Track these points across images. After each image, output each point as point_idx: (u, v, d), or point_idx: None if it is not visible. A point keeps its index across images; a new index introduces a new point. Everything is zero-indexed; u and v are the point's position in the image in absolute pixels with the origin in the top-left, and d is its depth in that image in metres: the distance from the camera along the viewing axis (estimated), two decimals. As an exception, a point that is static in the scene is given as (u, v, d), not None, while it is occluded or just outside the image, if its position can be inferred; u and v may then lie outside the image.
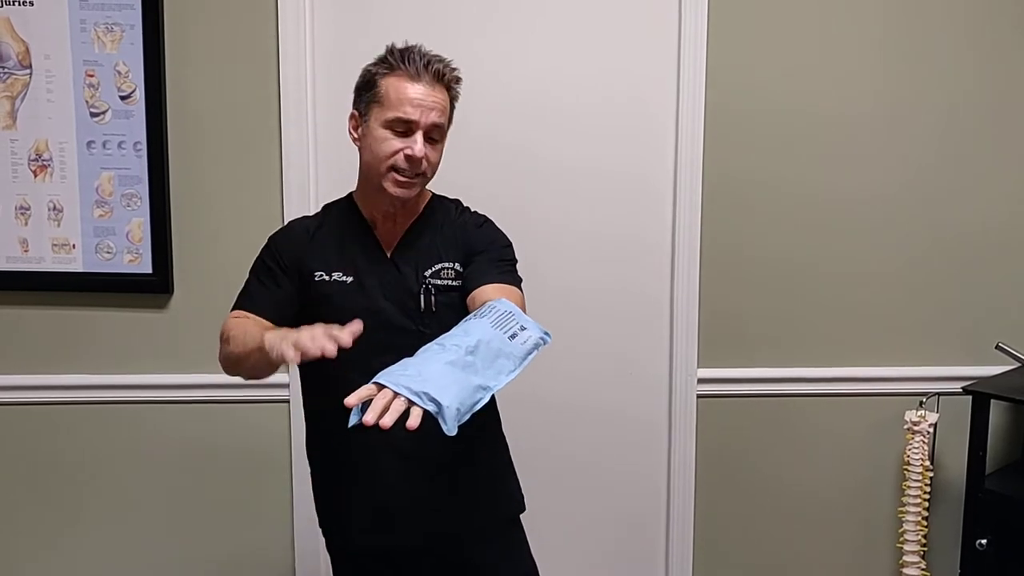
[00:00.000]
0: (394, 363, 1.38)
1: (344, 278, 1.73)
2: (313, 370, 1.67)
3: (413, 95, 1.66)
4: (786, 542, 2.62)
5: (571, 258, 2.51)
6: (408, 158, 1.66)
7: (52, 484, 2.50)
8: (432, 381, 1.31)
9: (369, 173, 1.72)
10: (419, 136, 1.66)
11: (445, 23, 2.42)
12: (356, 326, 1.40)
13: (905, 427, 2.46)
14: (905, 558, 2.49)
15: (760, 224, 2.50)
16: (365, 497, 1.76)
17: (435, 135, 1.70)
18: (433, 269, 1.74)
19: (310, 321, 1.72)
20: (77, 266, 2.42)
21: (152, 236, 2.40)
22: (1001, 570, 2.31)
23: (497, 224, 1.84)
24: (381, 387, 1.29)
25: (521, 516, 1.90)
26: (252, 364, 1.58)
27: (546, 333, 1.50)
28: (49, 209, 2.40)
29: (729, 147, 2.46)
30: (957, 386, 2.41)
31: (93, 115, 2.37)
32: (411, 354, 1.41)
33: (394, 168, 1.67)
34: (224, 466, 2.50)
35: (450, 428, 1.29)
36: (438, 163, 1.74)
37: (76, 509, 2.51)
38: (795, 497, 2.60)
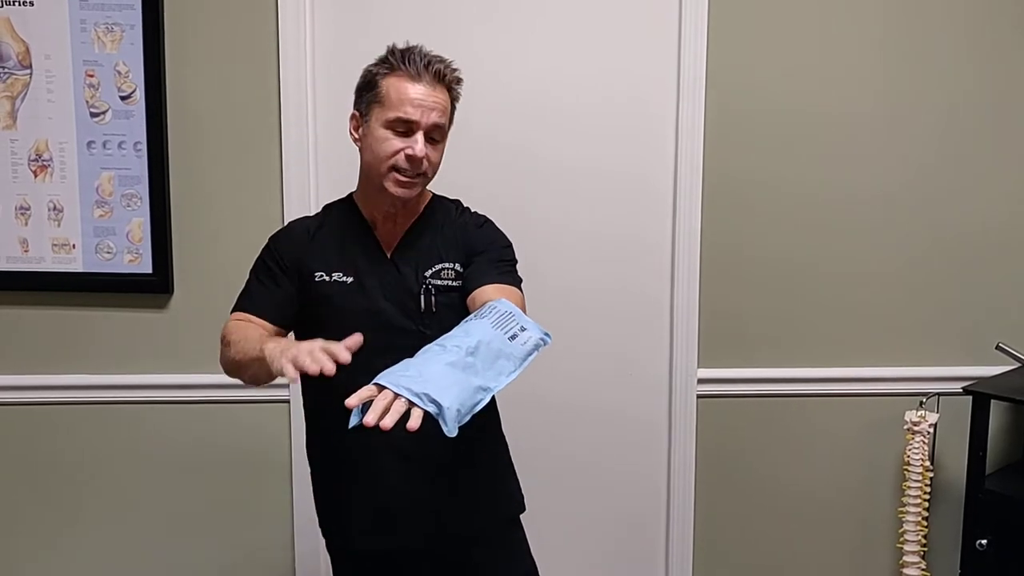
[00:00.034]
0: (394, 363, 1.38)
1: (344, 278, 1.73)
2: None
3: (414, 95, 1.66)
4: (786, 542, 2.62)
5: (571, 258, 2.51)
6: (409, 158, 1.66)
7: (52, 484, 2.50)
8: (433, 382, 1.31)
9: (370, 173, 1.72)
10: (420, 136, 1.67)
11: (445, 23, 2.42)
12: (354, 340, 1.40)
13: (905, 427, 2.46)
14: (905, 558, 2.49)
15: (760, 224, 2.50)
16: (365, 498, 1.76)
17: (436, 135, 1.70)
18: (433, 269, 1.74)
19: (311, 321, 1.74)
20: (77, 266, 2.42)
21: (152, 236, 2.40)
22: (1001, 570, 2.31)
23: (497, 224, 1.84)
24: (382, 388, 1.29)
25: (521, 516, 1.90)
26: (253, 373, 1.59)
27: (546, 334, 1.50)
28: (49, 209, 2.40)
29: (729, 147, 2.46)
30: (957, 386, 2.41)
31: (93, 115, 2.37)
32: (411, 354, 1.41)
33: (395, 168, 1.67)
34: (224, 466, 2.50)
35: (450, 429, 1.29)
36: (439, 163, 1.74)
37: (76, 509, 2.51)
38: (795, 497, 2.60)
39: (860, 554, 2.63)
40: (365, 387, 1.31)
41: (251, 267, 1.79)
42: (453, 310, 1.70)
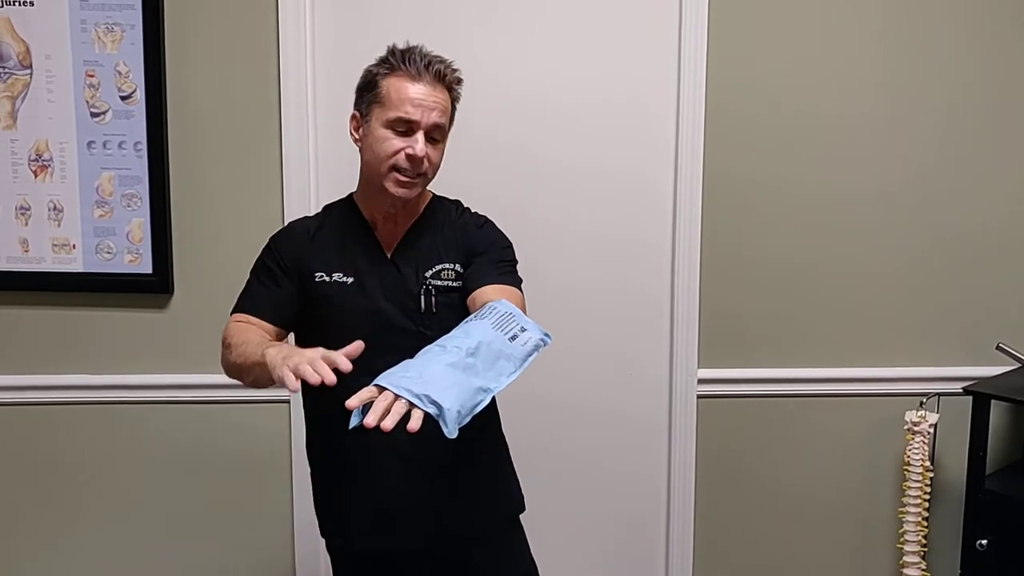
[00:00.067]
0: (395, 364, 1.38)
1: (345, 279, 1.73)
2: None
3: (414, 95, 1.66)
4: (786, 542, 2.62)
5: (571, 258, 2.51)
6: (409, 157, 1.66)
7: (52, 484, 2.50)
8: (433, 383, 1.31)
9: (370, 174, 1.72)
10: (420, 136, 1.67)
11: (445, 24, 2.41)
12: (355, 347, 1.40)
13: (905, 427, 2.46)
14: (905, 558, 2.49)
15: (760, 224, 2.50)
16: (365, 499, 1.76)
17: (436, 135, 1.70)
18: (433, 270, 1.74)
19: (311, 321, 1.74)
20: (77, 266, 2.42)
21: (152, 236, 2.40)
22: (1001, 570, 2.31)
23: (497, 224, 1.84)
24: (382, 389, 1.29)
25: (521, 516, 1.90)
26: (254, 377, 1.59)
27: (546, 334, 1.50)
28: (49, 209, 2.41)
29: (729, 147, 2.46)
30: (957, 386, 2.41)
31: (93, 115, 2.37)
32: (412, 355, 1.41)
33: (395, 168, 1.67)
34: (224, 466, 2.50)
35: (451, 431, 1.29)
36: (439, 163, 1.74)
37: (76, 509, 2.51)
38: (795, 497, 2.60)
39: (860, 554, 2.63)
40: (365, 388, 1.30)
41: (251, 267, 1.79)
42: (453, 310, 1.70)
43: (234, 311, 1.74)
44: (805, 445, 2.58)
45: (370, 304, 1.72)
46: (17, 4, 2.33)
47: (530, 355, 1.46)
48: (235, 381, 1.69)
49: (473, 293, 1.68)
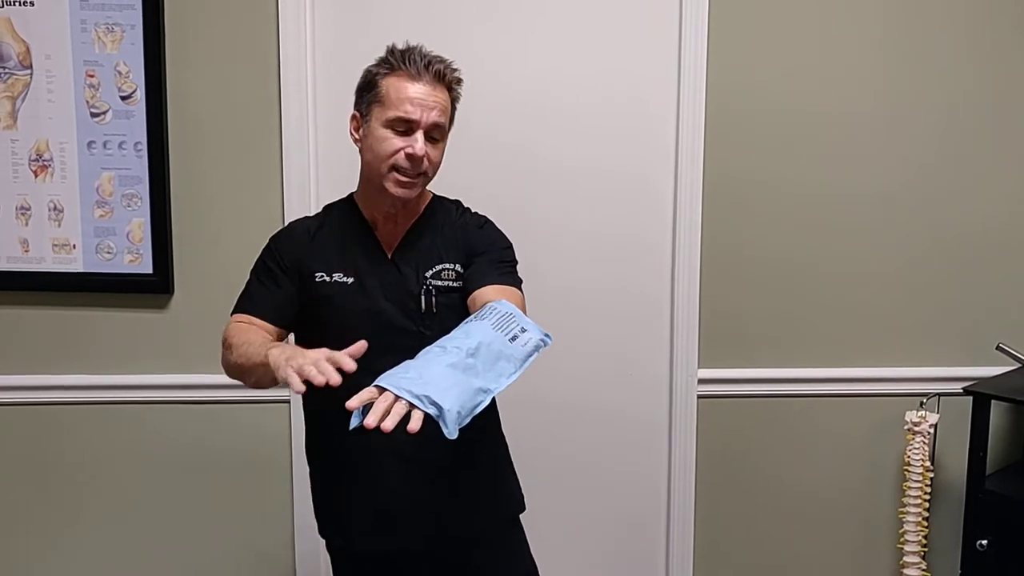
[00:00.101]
0: (395, 364, 1.38)
1: (345, 279, 1.73)
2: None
3: (414, 94, 1.66)
4: (786, 542, 2.62)
5: (571, 258, 2.51)
6: (409, 157, 1.66)
7: (52, 484, 2.50)
8: (433, 384, 1.31)
9: (370, 174, 1.72)
10: (420, 135, 1.67)
11: (445, 23, 2.41)
12: (358, 347, 1.40)
13: (905, 427, 2.46)
14: (906, 559, 2.49)
15: (760, 224, 2.50)
16: (366, 499, 1.76)
17: (436, 134, 1.70)
18: (434, 270, 1.74)
19: (311, 321, 1.74)
20: (77, 266, 2.42)
21: (152, 236, 2.40)
22: (1002, 571, 2.31)
23: (497, 225, 1.84)
24: (382, 390, 1.29)
25: (521, 516, 1.90)
26: (257, 378, 1.58)
27: (546, 335, 1.50)
28: (49, 209, 2.41)
29: (729, 147, 2.46)
30: (958, 387, 2.41)
31: (94, 115, 2.37)
32: (412, 355, 1.41)
33: (395, 168, 1.67)
34: (224, 466, 2.50)
35: (451, 431, 1.29)
36: (439, 163, 1.74)
37: (76, 509, 2.52)
38: (795, 497, 2.60)
39: (861, 554, 2.63)
40: (366, 389, 1.31)
41: (252, 267, 1.79)
42: (454, 311, 1.70)
43: (234, 311, 1.74)
44: (805, 445, 2.58)
45: (370, 304, 1.72)
46: (17, 4, 2.33)
47: (530, 356, 1.46)
48: (235, 381, 1.69)
49: (473, 293, 1.68)
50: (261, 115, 2.39)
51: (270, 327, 1.71)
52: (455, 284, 1.74)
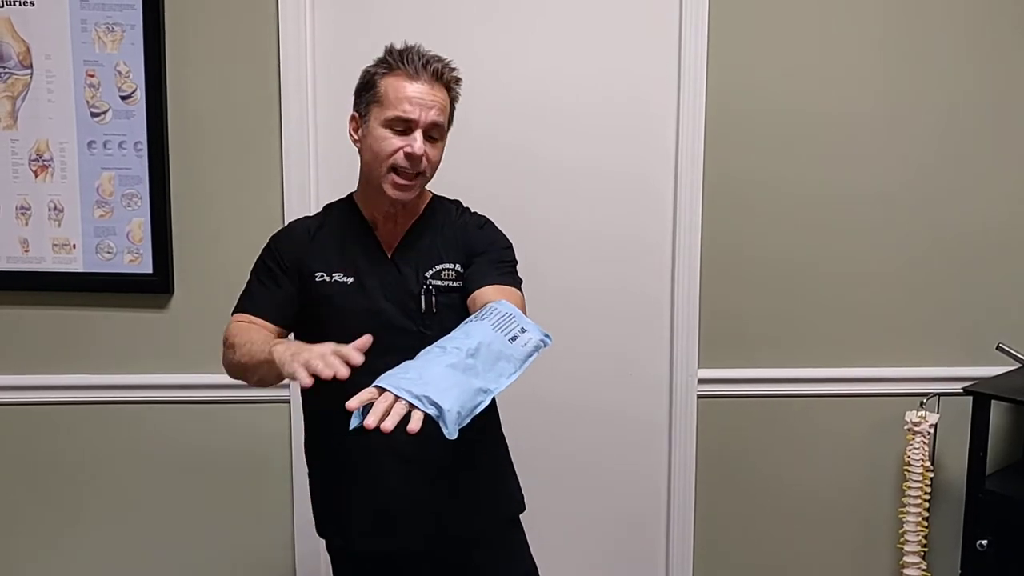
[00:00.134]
0: (395, 364, 1.38)
1: (345, 279, 1.73)
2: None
3: (412, 93, 1.66)
4: (786, 542, 2.62)
5: (571, 258, 2.51)
6: (408, 156, 1.66)
7: (52, 484, 2.50)
8: (433, 384, 1.31)
9: (369, 174, 1.72)
10: (418, 134, 1.67)
11: (445, 23, 2.41)
12: (364, 341, 1.40)
13: (905, 427, 2.46)
14: (906, 559, 2.49)
15: (760, 224, 2.50)
16: (366, 499, 1.76)
17: (435, 133, 1.70)
18: (434, 270, 1.74)
19: (311, 321, 1.74)
20: (77, 266, 2.42)
21: (152, 236, 2.40)
22: (1002, 571, 2.31)
23: (497, 225, 1.84)
24: (382, 390, 1.29)
25: (521, 516, 1.90)
26: (260, 375, 1.59)
27: (546, 335, 1.50)
28: (50, 209, 2.40)
29: (729, 147, 2.46)
30: (958, 387, 2.41)
31: (94, 115, 2.37)
32: (412, 355, 1.41)
33: (394, 168, 1.67)
34: (224, 466, 2.50)
35: (451, 432, 1.29)
36: (438, 162, 1.74)
37: (76, 509, 2.52)
38: (795, 497, 2.60)
39: (861, 554, 2.63)
40: (365, 390, 1.30)
41: (252, 267, 1.79)
42: (454, 311, 1.70)
43: (235, 311, 1.75)
44: (805, 445, 2.58)
45: (370, 304, 1.72)
46: (17, 4, 2.33)
47: (530, 356, 1.46)
48: (236, 381, 1.70)
49: (473, 293, 1.68)
50: (261, 115, 2.39)
51: (271, 327, 1.71)
52: (455, 284, 1.74)
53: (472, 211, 1.85)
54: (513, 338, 1.45)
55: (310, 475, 1.88)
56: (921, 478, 2.44)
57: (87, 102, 2.37)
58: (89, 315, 2.45)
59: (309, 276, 1.74)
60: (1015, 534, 2.30)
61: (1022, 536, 2.29)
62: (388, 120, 1.67)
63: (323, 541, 1.90)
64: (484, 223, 1.83)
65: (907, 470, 2.46)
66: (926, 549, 2.49)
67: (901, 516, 2.49)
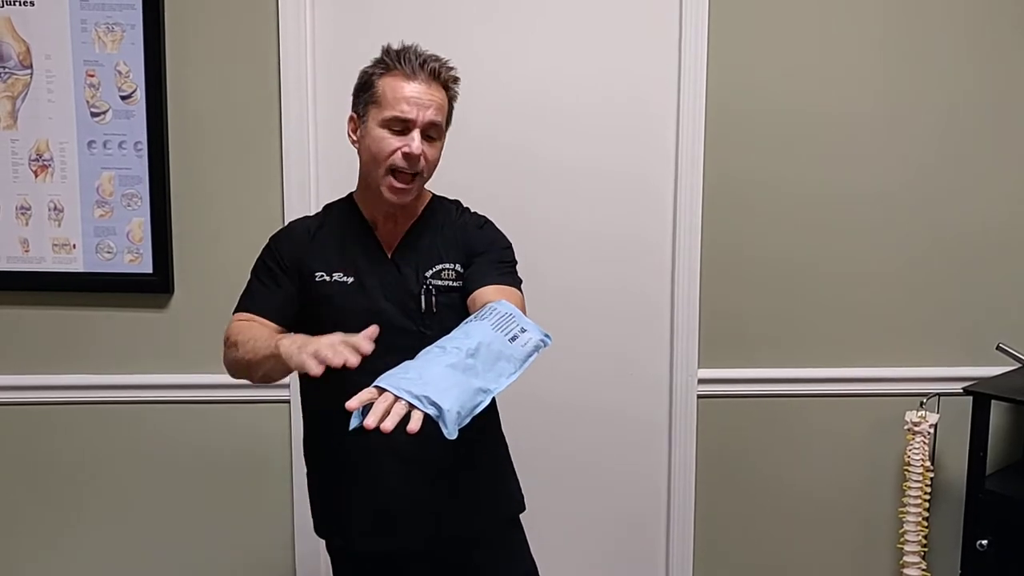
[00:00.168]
0: (395, 364, 1.38)
1: (345, 279, 1.73)
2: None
3: (409, 93, 1.66)
4: (787, 542, 2.62)
5: (571, 258, 2.51)
6: (406, 156, 1.66)
7: (52, 484, 2.50)
8: (433, 384, 1.31)
9: (368, 176, 1.72)
10: (416, 134, 1.67)
11: (445, 23, 2.41)
12: (372, 330, 1.40)
13: (905, 427, 2.46)
14: (906, 558, 2.49)
15: (760, 224, 2.50)
16: (366, 500, 1.76)
17: (432, 133, 1.70)
18: (434, 270, 1.74)
19: (311, 321, 1.74)
20: (78, 266, 2.42)
21: (152, 236, 2.40)
22: (1002, 571, 2.31)
23: (497, 224, 1.84)
24: (382, 391, 1.29)
25: (521, 516, 1.90)
26: (265, 371, 1.59)
27: (546, 335, 1.50)
28: (50, 209, 2.40)
29: (729, 147, 2.46)
30: (958, 387, 2.41)
31: (94, 115, 2.37)
32: (412, 355, 1.41)
33: (393, 169, 1.67)
34: (224, 466, 2.50)
35: (451, 432, 1.29)
36: (436, 162, 1.74)
37: (76, 509, 2.52)
38: (796, 497, 2.60)
39: (861, 554, 2.63)
40: (365, 390, 1.31)
41: (252, 267, 1.79)
42: (453, 310, 1.70)
43: (236, 311, 1.74)
44: (805, 445, 2.58)
45: (370, 304, 1.72)
46: (17, 4, 2.33)
47: (530, 356, 1.46)
48: (236, 381, 1.70)
49: (473, 293, 1.68)
50: (261, 115, 2.39)
51: (272, 326, 1.71)
52: (455, 284, 1.74)
53: (472, 211, 1.85)
54: (513, 338, 1.45)
55: (309, 475, 1.88)
56: (921, 478, 2.44)
57: (87, 102, 2.37)
58: (89, 315, 2.45)
59: (309, 276, 1.74)
60: (1015, 534, 2.30)
61: (1022, 536, 2.29)
62: (386, 120, 1.67)
63: (323, 541, 1.90)
64: (484, 223, 1.83)
65: (907, 470, 2.46)
66: (926, 549, 2.49)
67: (901, 516, 2.49)
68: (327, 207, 1.86)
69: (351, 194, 1.83)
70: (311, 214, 1.90)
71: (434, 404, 1.28)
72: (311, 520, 1.90)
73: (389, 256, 1.76)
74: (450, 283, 1.74)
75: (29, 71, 2.36)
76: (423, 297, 1.72)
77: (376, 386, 1.30)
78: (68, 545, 2.53)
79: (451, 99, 1.74)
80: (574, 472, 2.59)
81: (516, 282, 1.76)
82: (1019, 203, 2.53)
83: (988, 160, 2.50)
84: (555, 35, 2.44)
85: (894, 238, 2.51)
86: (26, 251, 2.42)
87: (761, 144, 2.47)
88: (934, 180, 2.50)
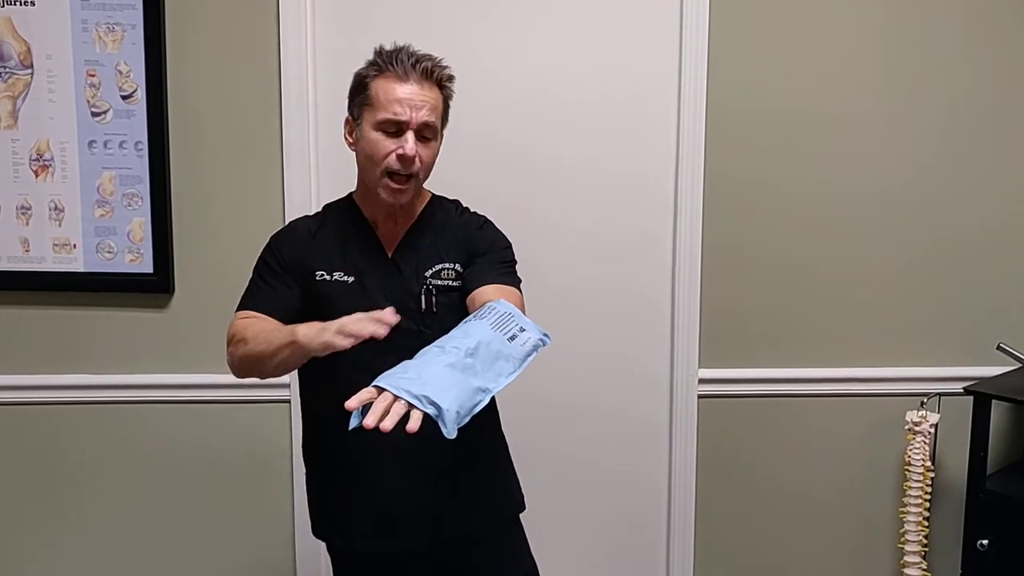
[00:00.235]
0: (395, 363, 1.38)
1: (345, 278, 1.74)
2: (314, 370, 1.67)
3: (402, 95, 1.66)
4: (787, 542, 2.62)
5: (571, 258, 2.51)
6: (400, 158, 1.66)
7: (52, 484, 2.50)
8: (432, 384, 1.31)
9: (365, 177, 1.73)
10: (410, 135, 1.66)
11: (444, 21, 2.41)
12: (392, 310, 1.43)
13: (906, 427, 2.45)
14: (906, 558, 2.49)
15: (760, 224, 2.50)
16: (366, 500, 1.76)
17: (427, 133, 1.69)
18: (434, 269, 1.74)
19: (311, 320, 1.73)
20: (78, 266, 2.42)
21: (153, 236, 2.40)
22: (1002, 570, 2.31)
23: (497, 224, 1.84)
24: (381, 390, 1.29)
25: (521, 516, 1.90)
26: (280, 360, 1.58)
27: (545, 335, 1.50)
28: (50, 209, 2.41)
29: (730, 147, 2.46)
30: (958, 386, 2.41)
31: (94, 115, 2.38)
32: (412, 354, 1.42)
33: (388, 172, 1.67)
34: (224, 466, 2.50)
35: (450, 431, 1.29)
36: (432, 162, 1.73)
37: (76, 509, 2.52)
38: (796, 497, 2.60)
39: (861, 554, 2.63)
40: (365, 389, 1.31)
41: (253, 267, 1.79)
42: (453, 310, 1.70)
43: (238, 310, 1.74)
44: (805, 445, 2.58)
45: (370, 303, 1.71)
46: (18, 4, 2.34)
47: (529, 355, 1.46)
48: (236, 380, 1.70)
49: (473, 293, 1.69)
50: (261, 114, 2.39)
51: (283, 325, 1.70)
52: (455, 283, 1.74)
53: (472, 211, 1.85)
54: (512, 337, 1.45)
55: (308, 476, 1.88)
56: (922, 478, 2.44)
57: (88, 102, 2.37)
58: (89, 315, 2.45)
59: (310, 275, 1.74)
60: (1016, 534, 2.29)
61: (1023, 536, 2.29)
62: (380, 123, 1.67)
63: (323, 542, 1.90)
64: (484, 223, 1.83)
65: (907, 470, 2.46)
66: (927, 549, 2.49)
67: (902, 516, 2.49)
68: (327, 207, 1.86)
69: (351, 194, 1.83)
70: (311, 214, 1.90)
71: (433, 403, 1.28)
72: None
73: (389, 256, 1.76)
74: (450, 283, 1.74)
75: (30, 71, 2.36)
76: (423, 297, 1.72)
77: (375, 386, 1.31)
78: (68, 545, 2.53)
79: (446, 98, 1.74)
80: (574, 472, 2.58)
81: (516, 282, 1.76)
82: (1019, 203, 2.53)
83: (988, 160, 2.50)
84: (555, 33, 2.44)
85: (894, 238, 2.51)
86: (27, 251, 2.42)
87: (761, 144, 2.47)
88: (934, 180, 2.50)
